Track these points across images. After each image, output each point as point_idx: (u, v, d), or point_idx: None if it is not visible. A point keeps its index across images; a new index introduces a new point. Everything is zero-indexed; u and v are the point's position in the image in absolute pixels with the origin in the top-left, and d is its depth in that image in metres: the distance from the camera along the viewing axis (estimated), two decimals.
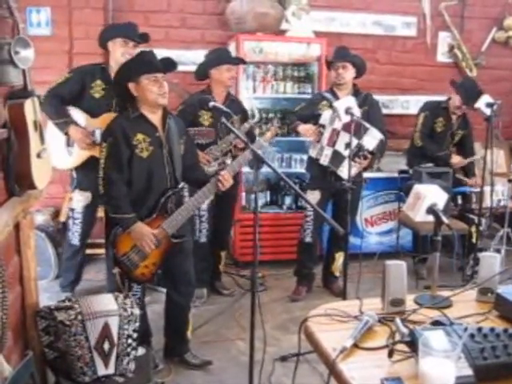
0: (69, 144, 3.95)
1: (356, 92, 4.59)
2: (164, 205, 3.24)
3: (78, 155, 3.96)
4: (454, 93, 5.22)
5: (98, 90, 3.93)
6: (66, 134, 3.89)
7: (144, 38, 4.11)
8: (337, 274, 4.82)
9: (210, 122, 4.37)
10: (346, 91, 4.56)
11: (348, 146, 4.19)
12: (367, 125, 4.13)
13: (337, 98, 4.52)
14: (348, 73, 4.50)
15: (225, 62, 4.40)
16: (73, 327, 2.66)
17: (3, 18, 2.34)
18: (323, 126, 4.42)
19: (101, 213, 4.36)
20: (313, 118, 4.55)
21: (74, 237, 4.12)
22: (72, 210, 4.12)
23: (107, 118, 3.82)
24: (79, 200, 4.06)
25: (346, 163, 4.25)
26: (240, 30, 5.35)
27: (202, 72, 4.49)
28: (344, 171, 4.27)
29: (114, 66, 3.90)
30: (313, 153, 4.54)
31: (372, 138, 4.27)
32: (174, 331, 3.59)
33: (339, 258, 4.74)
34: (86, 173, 3.98)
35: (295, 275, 4.88)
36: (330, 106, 4.46)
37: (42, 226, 4.75)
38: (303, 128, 4.51)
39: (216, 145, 4.37)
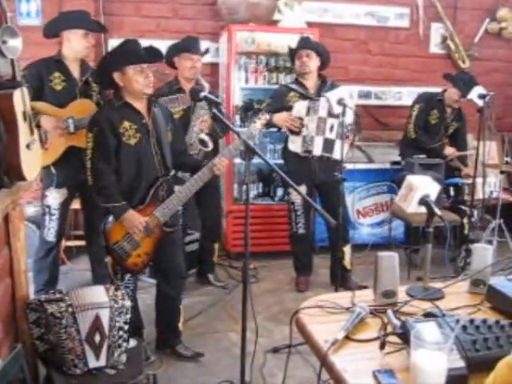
0: (41, 139, 3.66)
1: (322, 80, 4.60)
2: (155, 193, 3.23)
3: (55, 148, 3.81)
4: (450, 86, 5.22)
5: (57, 82, 3.81)
6: (38, 126, 3.62)
7: (103, 28, 4.07)
8: (349, 267, 4.75)
9: (181, 115, 4.29)
10: (312, 80, 4.57)
11: (332, 128, 4.31)
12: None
13: (304, 88, 4.52)
14: (312, 61, 4.50)
15: (183, 50, 4.33)
16: (63, 319, 2.64)
17: None
18: (299, 118, 4.38)
19: (77, 204, 4.35)
20: (284, 111, 4.49)
21: (50, 233, 3.99)
22: (48, 206, 3.97)
23: (78, 104, 3.83)
24: (56, 197, 3.94)
25: (336, 145, 4.34)
26: (232, 21, 5.32)
27: (167, 58, 4.41)
28: (337, 153, 4.29)
29: (69, 57, 3.85)
30: (296, 148, 4.48)
31: (349, 112, 4.26)
32: (165, 323, 3.58)
33: (347, 250, 4.70)
34: (63, 168, 3.85)
35: (295, 267, 4.87)
36: (301, 97, 4.46)
37: (33, 218, 4.71)
38: (279, 118, 4.41)
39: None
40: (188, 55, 4.31)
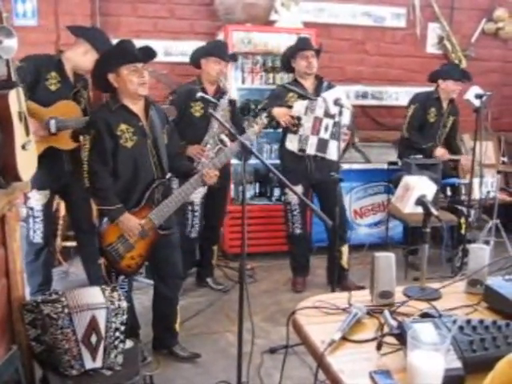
0: None
1: (319, 80, 4.63)
2: (151, 195, 3.23)
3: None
4: (441, 81, 5.24)
5: (53, 82, 3.78)
6: None
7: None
8: (346, 267, 4.74)
9: (202, 114, 4.32)
10: (311, 80, 4.60)
11: (327, 128, 4.35)
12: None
13: (303, 88, 4.54)
14: (316, 61, 4.54)
15: (213, 54, 4.33)
16: (59, 320, 2.63)
17: None
18: (298, 118, 4.39)
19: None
20: None
21: (37, 235, 3.95)
22: (31, 208, 3.92)
23: (61, 105, 3.78)
24: (38, 199, 3.89)
25: (330, 145, 4.38)
26: (229, 21, 5.32)
27: (193, 59, 4.47)
28: (332, 154, 4.30)
29: (69, 61, 3.84)
30: (292, 146, 4.49)
31: (345, 112, 4.26)
32: (162, 324, 3.58)
33: (345, 250, 4.70)
34: (44, 170, 3.59)
35: (292, 267, 4.87)
36: (300, 97, 4.48)
37: None
38: (278, 111, 4.41)
39: (208, 137, 4.33)
40: (216, 59, 4.32)
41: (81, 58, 3.83)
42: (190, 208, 4.43)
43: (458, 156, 5.46)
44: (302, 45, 4.57)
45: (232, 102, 4.54)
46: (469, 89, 5.00)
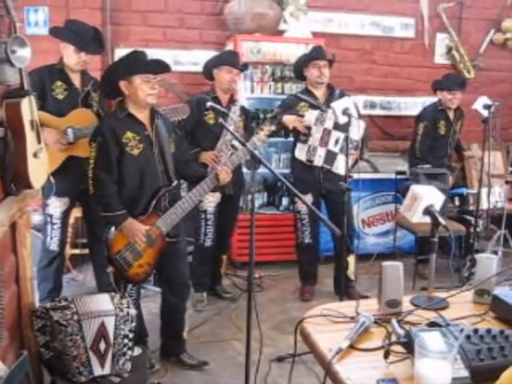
0: None
1: (331, 89, 4.65)
2: (158, 203, 3.24)
3: (54, 158, 3.73)
4: (439, 92, 5.34)
5: (60, 91, 3.83)
6: None
7: (97, 50, 4.06)
8: (352, 277, 4.74)
9: (215, 121, 4.31)
10: (322, 90, 4.62)
11: (337, 142, 4.34)
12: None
13: (314, 97, 4.55)
14: (328, 72, 4.57)
15: (224, 63, 4.36)
16: (69, 327, 2.65)
17: (0, 16, 2.33)
18: (308, 128, 4.41)
19: (78, 213, 4.39)
20: None
21: (53, 242, 3.99)
22: (50, 215, 3.98)
23: (77, 113, 3.84)
24: (57, 206, 3.95)
25: (338, 159, 4.39)
26: (238, 31, 5.36)
27: (206, 70, 4.50)
28: (339, 167, 4.32)
29: (68, 66, 3.88)
30: (301, 156, 4.50)
31: (356, 128, 4.26)
32: (169, 332, 3.59)
33: (351, 260, 4.69)
34: (64, 177, 3.82)
35: (300, 276, 4.87)
36: (311, 107, 4.47)
37: (39, 226, 4.73)
38: (287, 118, 4.41)
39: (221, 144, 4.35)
40: (228, 68, 4.35)
41: (65, 56, 3.86)
42: (203, 216, 4.43)
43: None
44: (315, 54, 4.59)
45: (245, 110, 4.57)
46: (477, 99, 5.01)
